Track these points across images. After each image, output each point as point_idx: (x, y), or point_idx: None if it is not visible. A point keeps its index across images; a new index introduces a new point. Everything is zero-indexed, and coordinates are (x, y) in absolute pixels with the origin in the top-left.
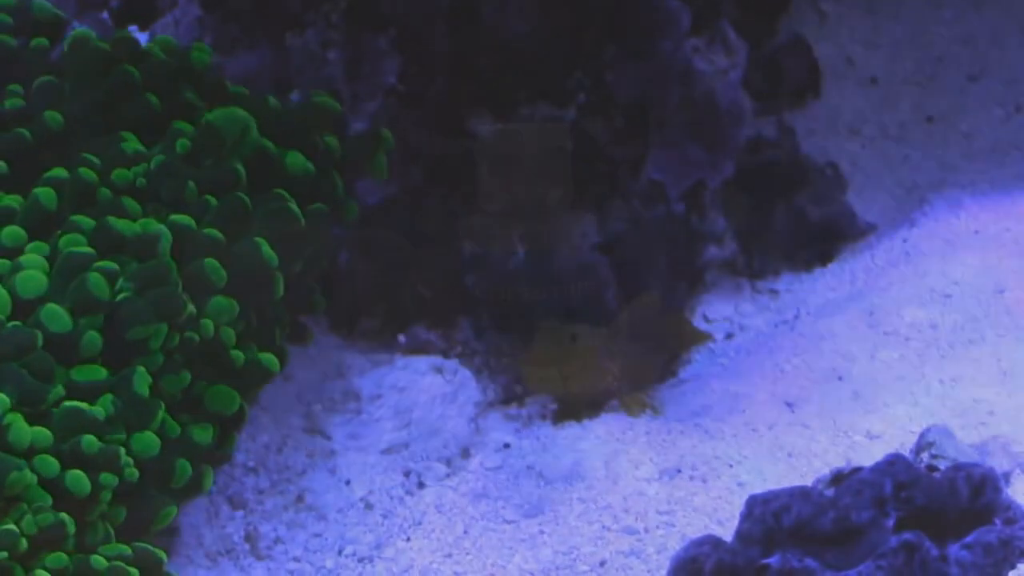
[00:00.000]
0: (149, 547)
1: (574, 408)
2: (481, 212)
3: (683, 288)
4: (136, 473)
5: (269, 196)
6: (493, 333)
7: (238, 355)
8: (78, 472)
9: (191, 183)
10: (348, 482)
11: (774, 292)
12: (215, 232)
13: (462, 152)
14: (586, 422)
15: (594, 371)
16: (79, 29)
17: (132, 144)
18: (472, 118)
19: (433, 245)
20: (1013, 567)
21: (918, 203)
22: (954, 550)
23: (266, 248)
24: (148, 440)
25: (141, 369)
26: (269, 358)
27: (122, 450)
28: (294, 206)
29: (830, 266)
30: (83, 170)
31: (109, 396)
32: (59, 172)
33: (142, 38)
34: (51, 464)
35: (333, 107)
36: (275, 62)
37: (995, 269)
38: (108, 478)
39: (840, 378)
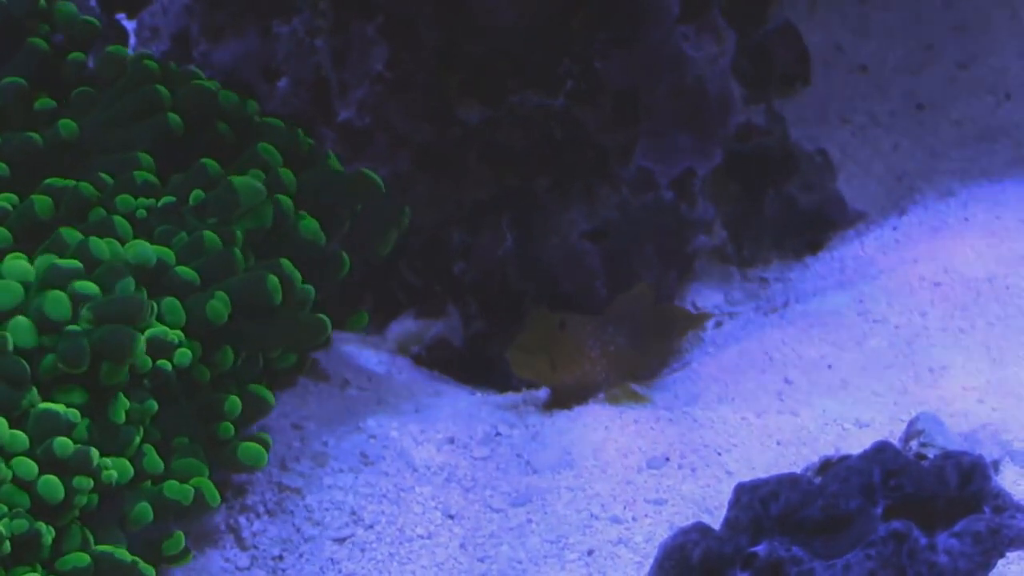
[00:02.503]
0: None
1: (564, 397)
2: (470, 199)
3: (672, 276)
4: (115, 475)
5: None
6: (482, 321)
7: (227, 428)
8: (51, 478)
9: (184, 233)
10: (340, 470)
11: (763, 280)
12: (190, 273)
13: (451, 140)
14: (575, 410)
15: (583, 359)
16: (115, 46)
17: (144, 174)
18: (461, 106)
19: (421, 232)
20: (1002, 555)
21: (908, 191)
22: (943, 539)
23: (216, 302)
24: (121, 467)
25: (119, 396)
26: (253, 449)
27: (95, 452)
28: (273, 278)
29: (820, 254)
30: (83, 184)
31: (85, 422)
32: (59, 181)
33: (129, 26)
34: (28, 466)
35: (376, 183)
36: (262, 49)
37: (985, 257)
38: (83, 481)
39: (829, 366)
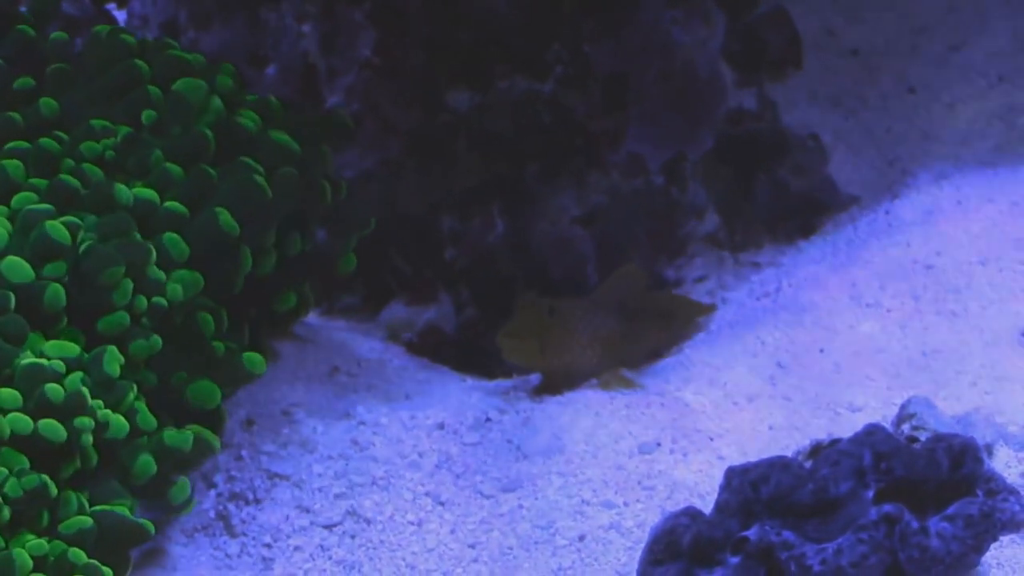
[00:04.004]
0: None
1: (555, 382)
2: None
3: (664, 260)
4: (110, 415)
5: (235, 167)
6: (473, 307)
7: (219, 346)
8: (51, 421)
9: (158, 152)
10: (330, 457)
11: (756, 265)
12: (178, 205)
13: (440, 126)
14: (566, 396)
15: (573, 344)
16: (100, 25)
17: (100, 121)
18: (450, 92)
19: (411, 219)
20: (995, 539)
21: (900, 174)
22: (935, 522)
23: (225, 217)
24: (116, 423)
25: (112, 348)
26: (252, 357)
27: (87, 391)
28: (260, 178)
29: (812, 238)
30: (45, 140)
31: (79, 374)
32: (21, 144)
33: (120, 16)
34: (24, 421)
35: (345, 122)
36: (250, 36)
37: (978, 240)
38: (84, 421)
39: (822, 351)
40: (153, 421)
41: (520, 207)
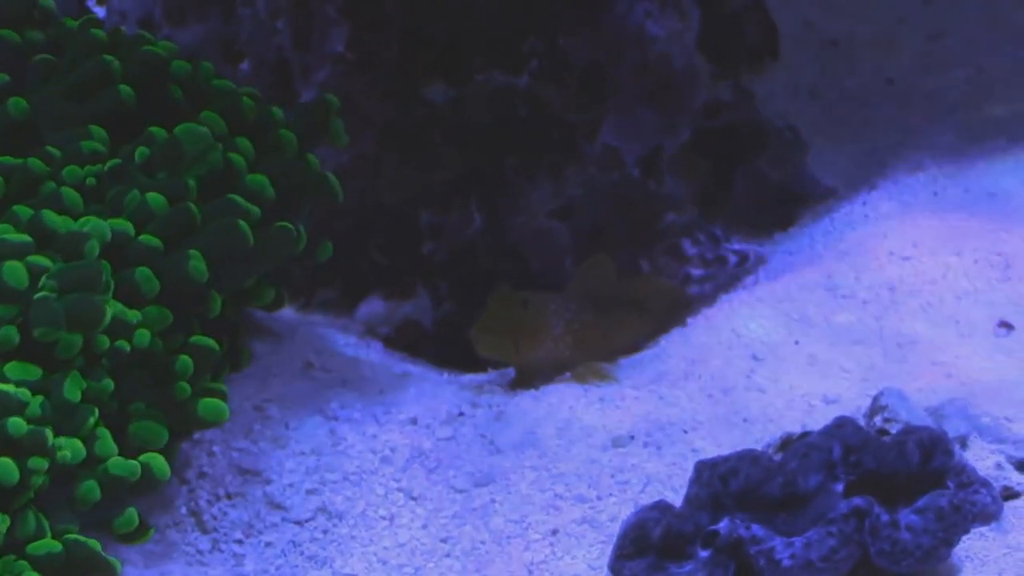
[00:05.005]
0: (83, 540)
1: (529, 376)
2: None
3: (642, 253)
4: (68, 456)
5: (221, 209)
6: (451, 301)
7: (185, 387)
8: (6, 460)
9: (135, 192)
10: (302, 452)
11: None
12: (154, 240)
13: (417, 119)
14: (541, 390)
15: (547, 338)
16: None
17: (92, 144)
18: (426, 85)
19: (389, 213)
20: (966, 531)
21: (878, 166)
22: (905, 515)
23: (196, 263)
24: (74, 447)
25: (75, 373)
26: (210, 405)
27: (49, 432)
28: (244, 224)
29: (790, 230)
30: (33, 160)
31: (39, 398)
32: (8, 160)
33: (100, 12)
34: None
35: (333, 103)
36: (225, 31)
37: (954, 231)
38: (38, 462)
39: (797, 342)
40: (114, 448)
41: (498, 200)
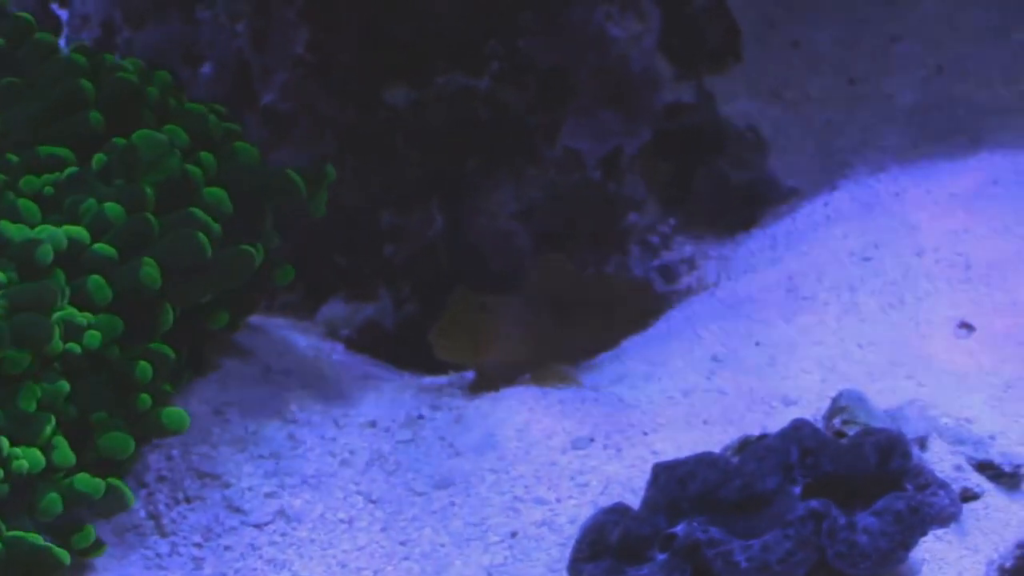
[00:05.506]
0: (21, 535)
1: (490, 379)
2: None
3: (603, 255)
4: (25, 465)
5: (180, 221)
6: (413, 303)
7: (145, 399)
8: None
9: (92, 200)
10: (261, 456)
11: (695, 258)
12: (108, 248)
13: (378, 122)
14: (501, 392)
15: (506, 340)
16: (43, 33)
17: (48, 148)
18: (387, 88)
19: (350, 215)
20: (924, 533)
21: (839, 167)
22: (862, 517)
23: (149, 270)
24: (32, 456)
25: (28, 384)
26: (173, 414)
27: (5, 441)
28: (202, 235)
29: (752, 231)
30: None
31: None
32: None
33: (63, 15)
34: None
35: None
36: (185, 35)
37: (915, 232)
38: None
39: (757, 344)
40: (72, 457)
41: (459, 202)
